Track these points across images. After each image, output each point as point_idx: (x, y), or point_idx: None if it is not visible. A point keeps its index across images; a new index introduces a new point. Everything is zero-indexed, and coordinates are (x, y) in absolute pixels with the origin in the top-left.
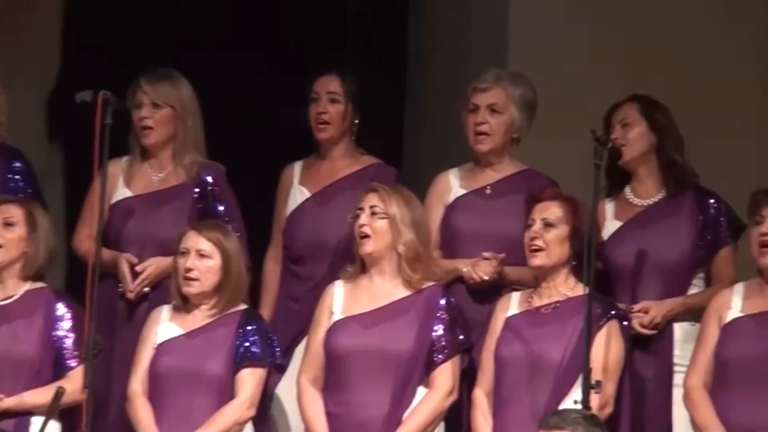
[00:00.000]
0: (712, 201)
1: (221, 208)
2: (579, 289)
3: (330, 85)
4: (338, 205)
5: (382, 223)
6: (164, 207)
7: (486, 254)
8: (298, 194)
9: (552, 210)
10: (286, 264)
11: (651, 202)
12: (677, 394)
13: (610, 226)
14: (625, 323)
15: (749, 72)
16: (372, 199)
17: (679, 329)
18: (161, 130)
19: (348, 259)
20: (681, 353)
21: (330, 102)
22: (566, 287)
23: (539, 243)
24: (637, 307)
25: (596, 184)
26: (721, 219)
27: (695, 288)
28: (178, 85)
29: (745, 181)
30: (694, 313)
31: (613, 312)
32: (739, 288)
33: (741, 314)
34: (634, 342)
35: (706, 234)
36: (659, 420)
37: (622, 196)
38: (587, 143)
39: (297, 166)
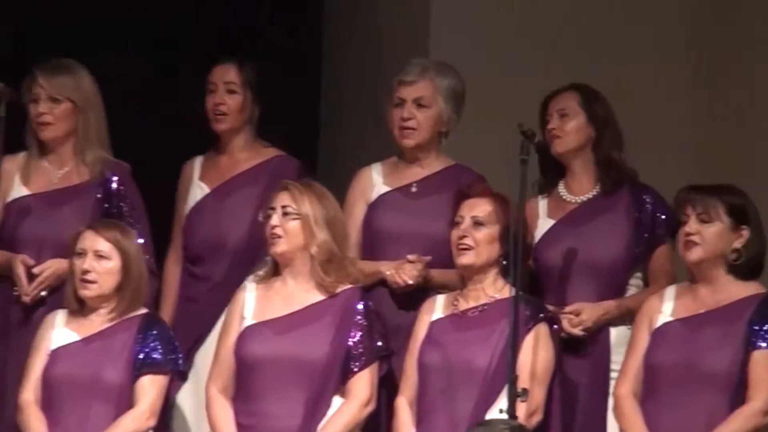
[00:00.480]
0: (648, 197)
1: (126, 208)
2: (507, 291)
3: (227, 74)
4: (238, 201)
5: (294, 224)
6: (65, 206)
7: (411, 257)
8: (197, 191)
9: (482, 207)
10: (185, 264)
11: (584, 199)
12: (612, 402)
13: (543, 224)
14: (555, 326)
15: (680, 59)
16: (284, 199)
17: (615, 333)
18: (60, 125)
19: (248, 259)
20: (617, 359)
21: (227, 92)
22: (494, 289)
23: (468, 242)
24: (568, 308)
25: (523, 181)
26: (658, 216)
27: (633, 289)
28: (78, 77)
29: (679, 174)
30: (631, 317)
31: (541, 315)
32: (670, 291)
33: (671, 318)
34: (568, 346)
35: (643, 232)
36: (593, 429)
37: (555, 193)
38: (515, 137)
39: (197, 161)
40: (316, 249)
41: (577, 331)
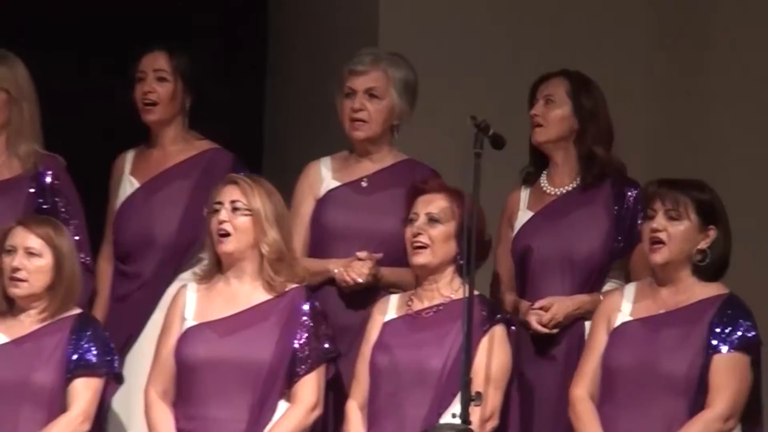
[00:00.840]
0: (631, 192)
1: (61, 204)
2: (464, 291)
3: (157, 62)
4: (168, 196)
5: (244, 220)
6: None
7: (360, 254)
8: (127, 185)
9: (437, 203)
10: (115, 262)
11: (564, 191)
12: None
13: (522, 216)
14: (512, 328)
15: (641, 48)
16: (233, 193)
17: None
18: None
19: (179, 256)
20: None
21: (157, 81)
22: (450, 289)
23: (423, 240)
24: (538, 303)
25: (476, 175)
26: (641, 211)
27: (612, 285)
28: (13, 67)
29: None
30: None
31: (498, 316)
32: (630, 289)
33: (630, 318)
34: (540, 344)
35: (623, 227)
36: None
37: (537, 184)
38: (470, 130)
39: (129, 155)
40: (267, 248)
41: (545, 329)
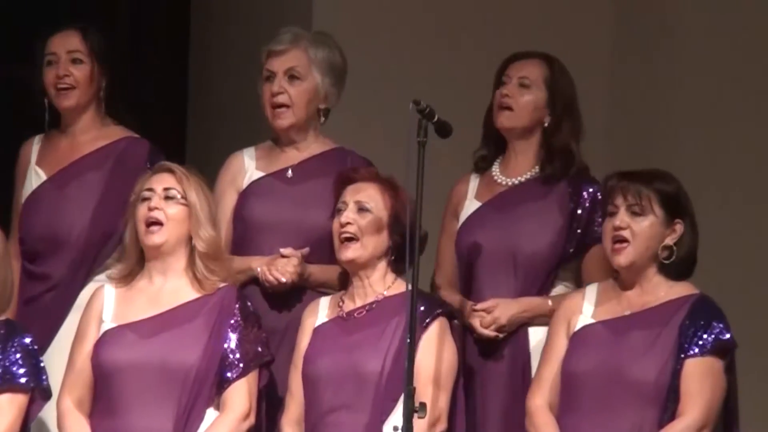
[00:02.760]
0: (588, 191)
1: None
2: (398, 287)
3: (69, 42)
4: (79, 189)
5: (178, 210)
6: None
7: (284, 251)
8: (33, 177)
9: (368, 192)
10: (23, 262)
11: (516, 182)
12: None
13: (469, 206)
14: (455, 321)
15: (600, 42)
16: (166, 180)
17: (536, 335)
18: None
19: (91, 255)
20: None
21: (72, 63)
22: (383, 285)
23: (352, 230)
24: (481, 305)
25: (420, 166)
26: (598, 213)
27: (561, 288)
28: None
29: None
30: None
31: (438, 310)
32: (591, 290)
33: (592, 320)
34: (483, 348)
35: (576, 227)
36: None
37: (488, 173)
38: (411, 116)
39: (35, 143)
40: (202, 244)
41: (488, 332)
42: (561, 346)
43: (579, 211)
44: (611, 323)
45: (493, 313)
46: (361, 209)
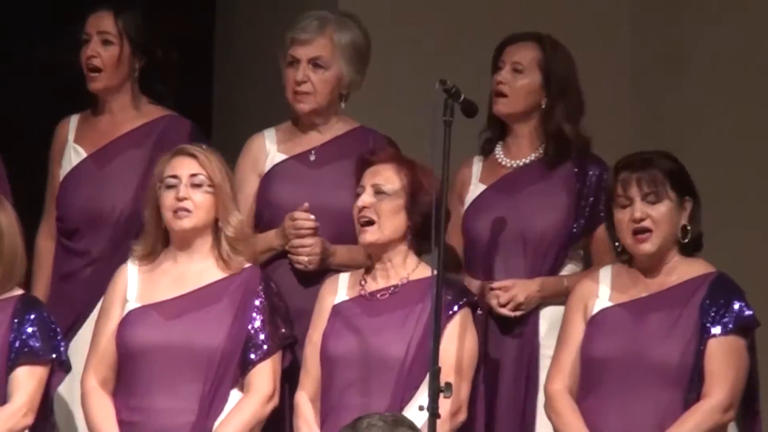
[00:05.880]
0: (593, 170)
1: None
2: (421, 271)
3: (101, 23)
4: (119, 167)
5: (206, 197)
6: None
7: (298, 213)
8: (72, 155)
9: (385, 175)
10: (59, 238)
11: (520, 164)
12: (543, 396)
13: (474, 190)
14: (479, 312)
15: (621, 22)
16: (190, 165)
17: (547, 315)
18: None
19: (132, 231)
20: (550, 342)
21: (102, 44)
22: (405, 268)
23: (369, 214)
24: (497, 284)
25: (446, 146)
26: (602, 192)
27: (573, 268)
28: None
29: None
30: None
31: (465, 299)
32: (605, 273)
33: (610, 303)
34: (493, 328)
35: (584, 207)
36: (520, 422)
37: (492, 156)
38: (437, 95)
39: (73, 121)
40: (231, 229)
41: (506, 311)
42: (578, 330)
43: (585, 192)
44: (630, 305)
45: (510, 291)
46: (378, 192)
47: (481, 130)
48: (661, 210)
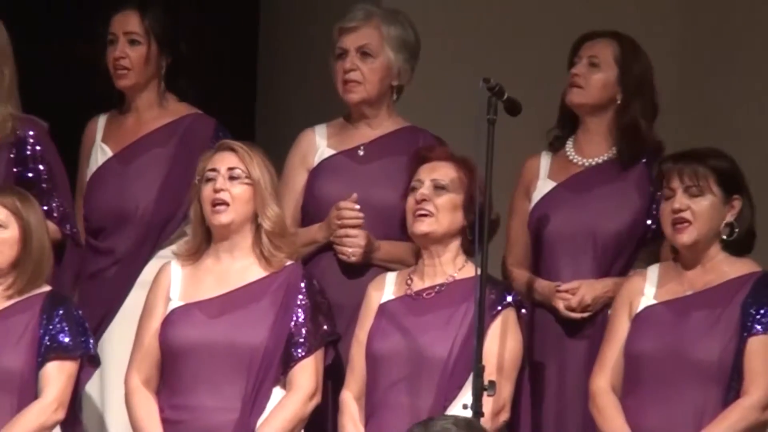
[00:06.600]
0: None
1: (44, 172)
2: (468, 270)
3: (127, 23)
4: (145, 165)
5: (243, 189)
6: None
7: (343, 203)
8: (99, 154)
9: (443, 171)
10: (86, 236)
11: (593, 163)
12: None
13: (542, 186)
14: (523, 311)
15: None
16: (229, 160)
17: None
18: None
19: (157, 230)
20: None
21: (129, 44)
22: (453, 267)
23: (428, 207)
24: (565, 286)
25: (489, 144)
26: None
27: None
28: None
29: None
30: None
31: (509, 299)
32: (653, 271)
33: (654, 301)
34: (562, 329)
35: (656, 208)
36: (584, 424)
37: (562, 152)
38: (481, 94)
39: (101, 120)
40: (269, 222)
41: (574, 314)
42: (623, 327)
43: (658, 193)
44: (673, 303)
45: (577, 294)
46: (437, 187)
47: (549, 129)
48: (703, 204)
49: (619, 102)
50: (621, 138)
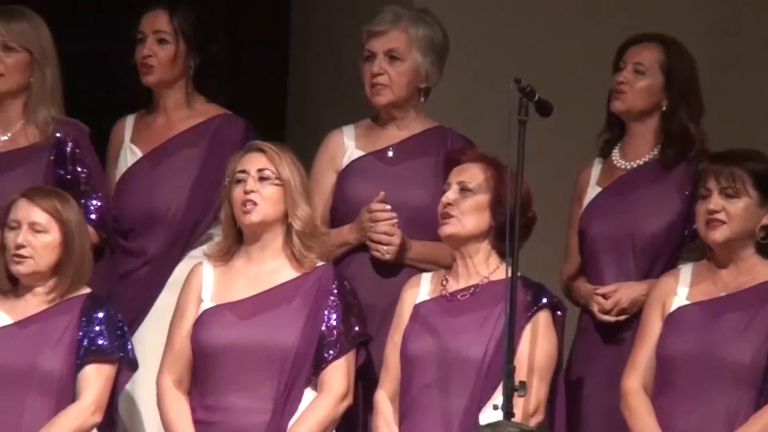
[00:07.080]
0: None
1: (84, 175)
2: (502, 271)
3: (156, 22)
4: (173, 167)
5: (274, 190)
6: (11, 172)
7: (375, 205)
8: (128, 155)
9: (471, 173)
10: (116, 237)
11: (634, 166)
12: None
13: (591, 192)
14: (558, 313)
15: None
16: (259, 161)
17: None
18: (14, 77)
19: (187, 231)
20: None
21: (157, 42)
22: (487, 268)
23: (451, 211)
24: (601, 290)
25: (520, 146)
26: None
27: None
28: (38, 27)
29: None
30: None
31: (544, 300)
32: (686, 271)
33: (687, 302)
34: (604, 333)
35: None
36: (619, 426)
37: (609, 158)
38: (512, 95)
39: (129, 121)
40: (299, 222)
41: (608, 317)
42: (656, 328)
43: (694, 193)
44: (706, 305)
45: (613, 297)
46: (463, 189)
47: (599, 133)
48: (738, 205)
49: (665, 108)
50: (671, 142)
